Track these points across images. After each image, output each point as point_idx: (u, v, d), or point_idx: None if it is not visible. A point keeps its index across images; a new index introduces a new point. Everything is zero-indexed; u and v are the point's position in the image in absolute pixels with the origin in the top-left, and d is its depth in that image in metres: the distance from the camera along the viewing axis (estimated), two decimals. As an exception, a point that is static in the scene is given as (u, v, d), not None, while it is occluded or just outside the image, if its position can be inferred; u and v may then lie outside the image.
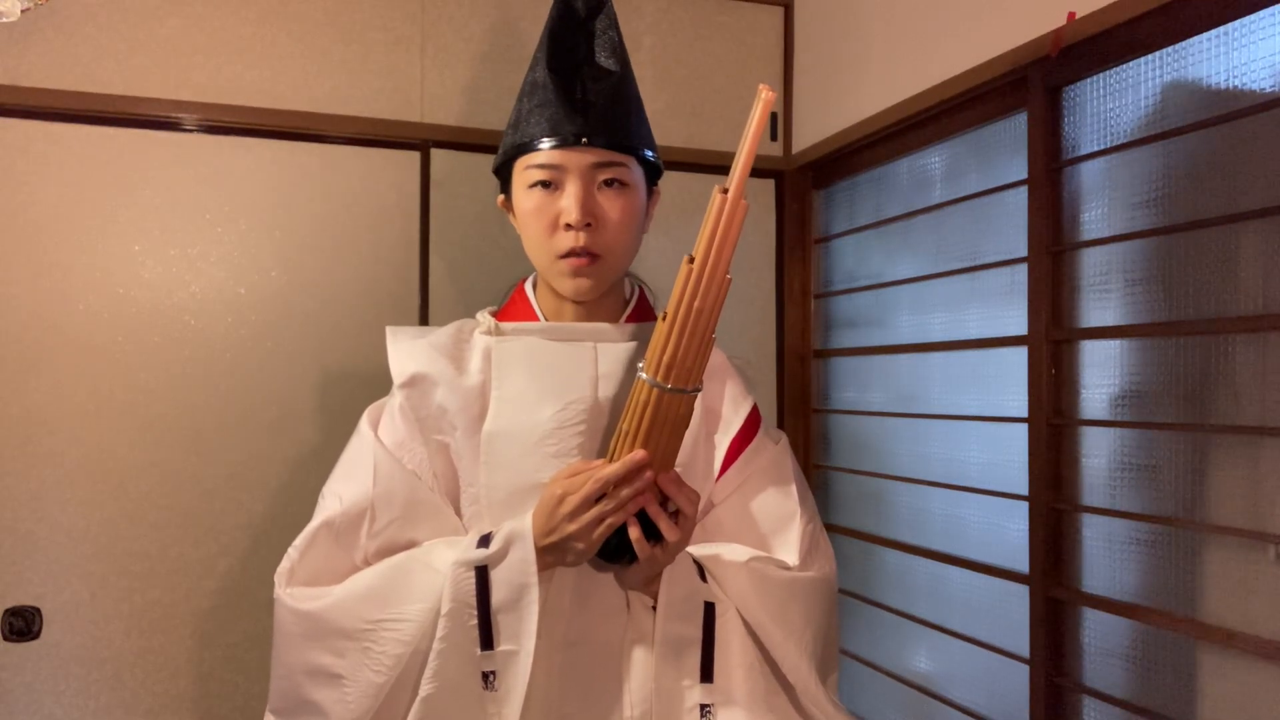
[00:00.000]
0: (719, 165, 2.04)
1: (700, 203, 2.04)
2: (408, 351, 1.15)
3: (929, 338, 1.78)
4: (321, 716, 1.04)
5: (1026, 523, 1.50)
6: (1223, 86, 1.24)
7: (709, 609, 1.07)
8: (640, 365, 1.00)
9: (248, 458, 1.72)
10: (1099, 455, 1.41)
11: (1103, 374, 1.41)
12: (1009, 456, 1.56)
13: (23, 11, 1.57)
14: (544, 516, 1.01)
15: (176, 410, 1.69)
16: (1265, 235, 1.18)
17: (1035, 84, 1.46)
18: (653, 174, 1.20)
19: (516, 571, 1.01)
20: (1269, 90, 1.18)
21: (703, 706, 1.05)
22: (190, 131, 1.71)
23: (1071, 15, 1.36)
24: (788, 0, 2.09)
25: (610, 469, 0.98)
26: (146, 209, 1.68)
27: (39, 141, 1.62)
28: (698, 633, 1.06)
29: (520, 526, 1.02)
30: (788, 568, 1.13)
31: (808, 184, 2.11)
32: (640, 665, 1.07)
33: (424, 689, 1.00)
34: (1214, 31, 1.24)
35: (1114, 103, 1.39)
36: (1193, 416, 1.27)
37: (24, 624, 1.60)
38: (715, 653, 1.07)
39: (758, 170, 2.09)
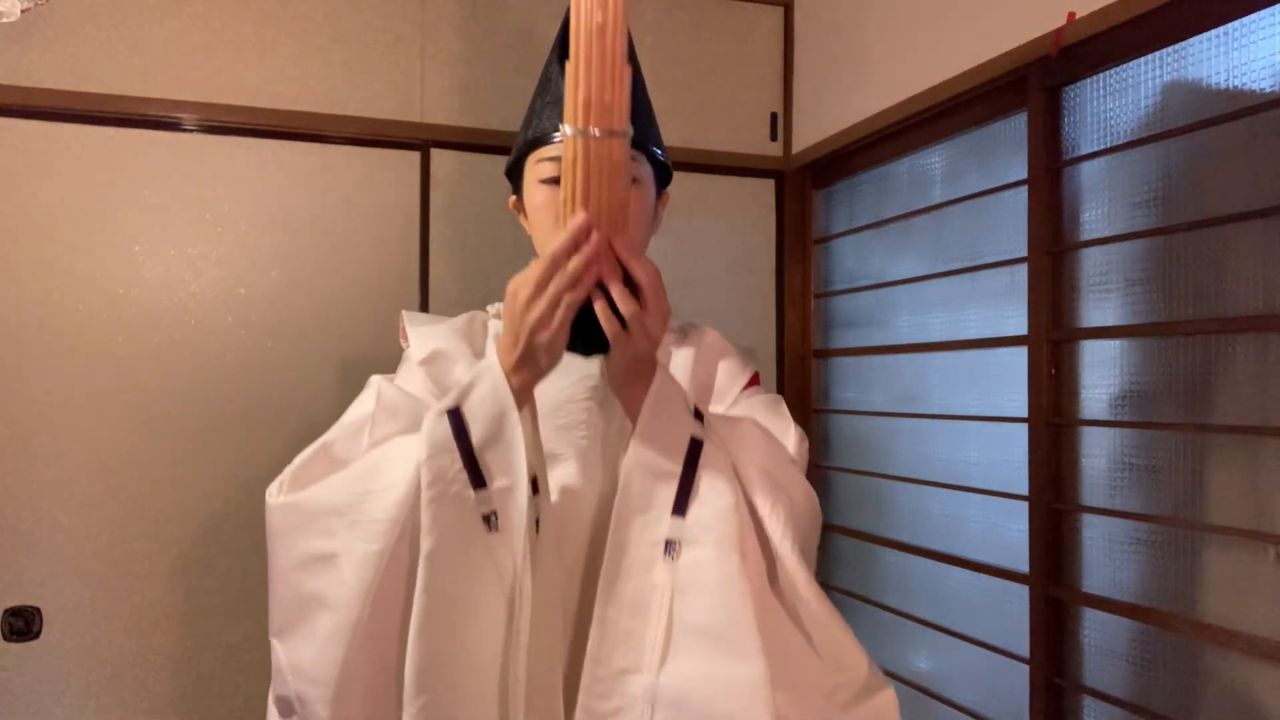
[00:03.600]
0: (719, 165, 2.04)
1: (701, 203, 2.05)
2: (428, 333, 1.16)
3: (929, 338, 1.78)
4: (322, 606, 0.98)
5: (1026, 523, 1.49)
6: (1223, 86, 1.24)
7: (695, 445, 0.99)
8: (560, 126, 0.93)
9: (248, 457, 1.72)
10: (1099, 455, 1.41)
11: (1103, 374, 1.41)
12: (1009, 456, 1.55)
13: (23, 11, 1.57)
14: (507, 326, 0.95)
15: (177, 410, 1.69)
16: (1265, 235, 1.18)
17: (1035, 84, 1.46)
18: (662, 176, 1.21)
19: (490, 401, 0.95)
20: (1269, 90, 1.18)
21: (667, 543, 0.97)
22: (190, 131, 1.71)
23: (1071, 15, 1.36)
24: (788, 0, 2.09)
25: (556, 244, 0.91)
26: (146, 209, 1.68)
27: (39, 141, 1.62)
28: (677, 467, 0.99)
29: (485, 361, 0.98)
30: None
31: (808, 184, 2.11)
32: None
33: (425, 545, 0.93)
34: (1214, 31, 1.24)
35: (1114, 103, 1.39)
36: (1193, 416, 1.27)
37: (24, 624, 1.60)
38: (694, 488, 0.98)
39: (758, 170, 2.09)
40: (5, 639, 1.59)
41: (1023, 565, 1.51)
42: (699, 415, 1.02)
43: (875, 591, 1.92)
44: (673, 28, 2.02)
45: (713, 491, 0.98)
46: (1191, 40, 1.27)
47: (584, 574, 1.06)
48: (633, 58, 1.17)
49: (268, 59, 1.74)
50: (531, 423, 0.98)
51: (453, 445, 0.94)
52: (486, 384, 0.96)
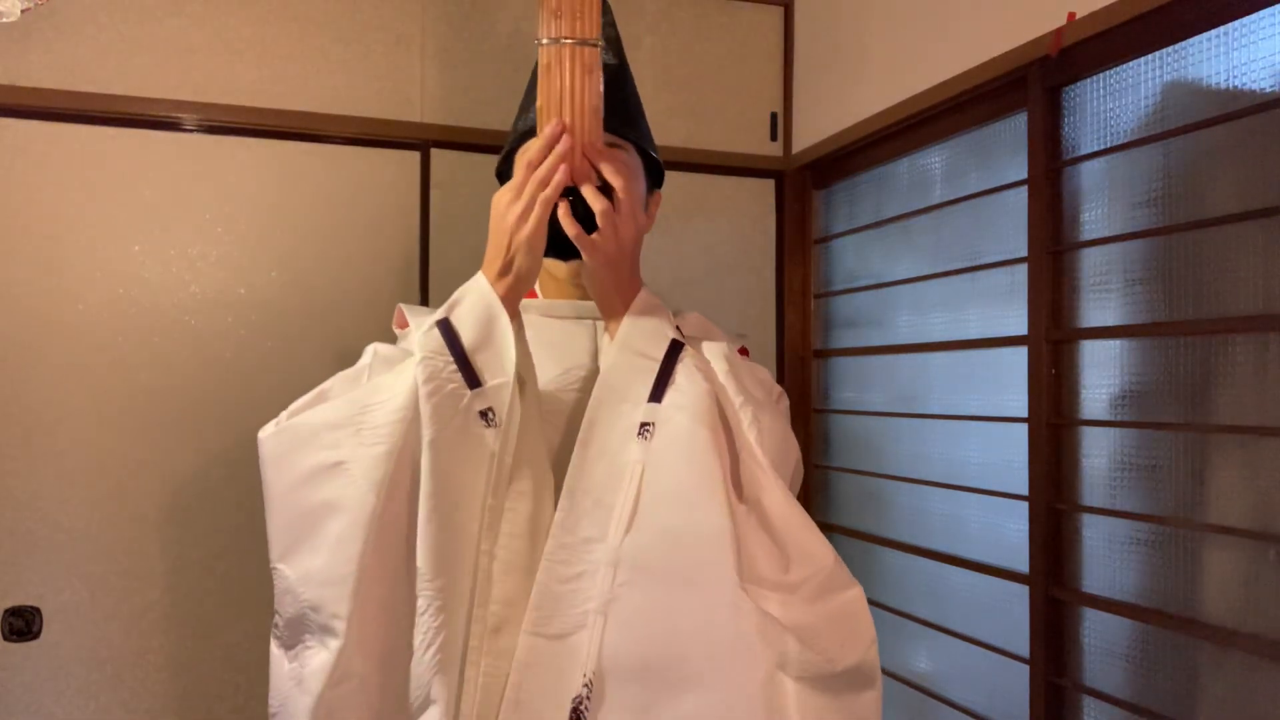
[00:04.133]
0: (719, 165, 2.04)
1: (701, 203, 2.05)
2: (429, 323, 1.18)
3: (929, 338, 1.78)
4: (332, 511, 0.98)
5: (1026, 523, 1.49)
6: (1223, 86, 1.24)
7: (675, 345, 1.04)
8: (535, 41, 1.00)
9: (248, 457, 1.71)
10: (1099, 455, 1.41)
11: (1103, 374, 1.41)
12: (1009, 456, 1.55)
13: (23, 11, 1.56)
14: (491, 234, 1.03)
15: (176, 410, 1.69)
16: (1265, 235, 1.18)
17: (1035, 84, 1.46)
18: (654, 174, 1.21)
19: (478, 307, 1.01)
20: (1269, 90, 1.18)
21: (642, 425, 1.00)
22: (190, 131, 1.71)
23: (1071, 15, 1.36)
24: (788, 0, 2.09)
25: (532, 150, 0.99)
26: (146, 209, 1.68)
27: (39, 141, 1.62)
28: (655, 362, 1.03)
29: (470, 281, 1.04)
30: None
31: (808, 184, 2.11)
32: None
33: (425, 435, 0.96)
34: (1214, 31, 1.24)
35: (1114, 103, 1.39)
36: (1193, 416, 1.27)
37: (24, 624, 1.60)
38: (671, 378, 1.02)
39: (758, 170, 2.09)
40: (5, 639, 1.59)
41: (1023, 565, 1.51)
42: (680, 333, 1.07)
43: (875, 591, 1.92)
44: (672, 28, 2.02)
45: (689, 381, 1.02)
46: (1191, 40, 1.26)
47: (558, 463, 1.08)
48: (623, 54, 1.18)
49: (268, 59, 1.74)
50: (519, 333, 1.03)
51: (445, 350, 0.99)
52: (474, 293, 1.02)
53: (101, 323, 1.65)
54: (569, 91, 0.98)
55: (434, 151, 1.85)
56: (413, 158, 1.84)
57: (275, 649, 1.06)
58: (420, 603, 0.95)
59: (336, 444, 0.99)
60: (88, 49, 1.64)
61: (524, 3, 1.90)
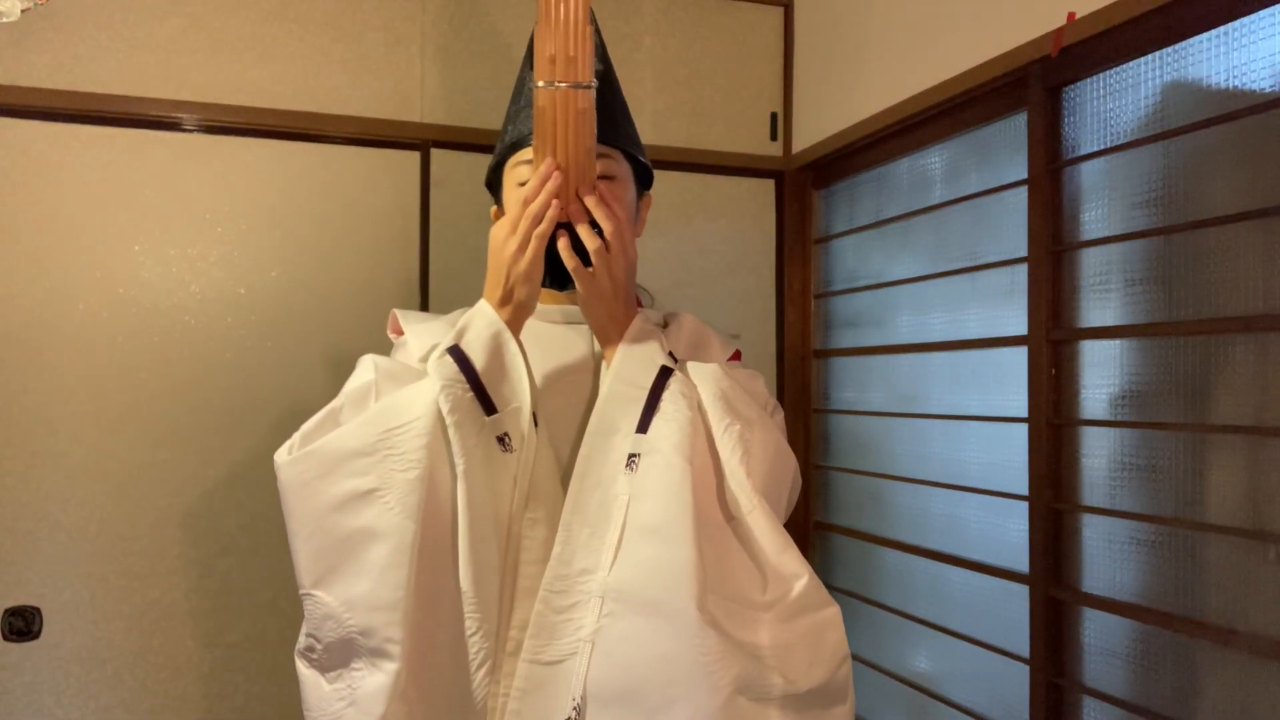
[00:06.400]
0: (719, 165, 2.04)
1: (700, 203, 2.05)
2: (425, 330, 1.20)
3: (929, 338, 1.78)
4: (371, 538, 1.00)
5: (1026, 523, 1.50)
6: (1223, 86, 1.24)
7: (664, 372, 1.08)
8: (528, 81, 1.05)
9: (248, 458, 1.72)
10: (1099, 455, 1.41)
11: (1103, 374, 1.41)
12: (1009, 456, 1.55)
13: (23, 11, 1.57)
14: (491, 267, 1.08)
15: (176, 410, 1.69)
16: (1265, 235, 1.18)
17: (1035, 84, 1.46)
18: (642, 178, 1.21)
19: (486, 334, 1.06)
20: (1269, 90, 1.18)
21: (630, 456, 1.04)
22: (190, 131, 1.71)
23: (1071, 15, 1.36)
24: (788, 0, 2.09)
25: (528, 188, 1.05)
26: (146, 209, 1.68)
27: (39, 141, 1.62)
28: (644, 392, 1.07)
29: (474, 308, 1.09)
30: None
31: (808, 184, 2.11)
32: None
33: (459, 465, 1.02)
34: (1214, 31, 1.24)
35: (1114, 103, 1.39)
36: (1193, 416, 1.27)
37: (24, 624, 1.60)
38: (658, 407, 1.06)
39: (758, 170, 2.09)
40: (5, 639, 1.59)
41: (1023, 565, 1.51)
42: (672, 358, 1.11)
43: (875, 591, 1.92)
44: (672, 28, 2.02)
45: (674, 408, 1.06)
46: (1191, 40, 1.27)
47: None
48: (608, 60, 1.19)
49: (268, 59, 1.74)
50: (524, 358, 1.07)
51: (461, 377, 1.03)
52: (480, 320, 1.07)
53: (102, 323, 1.65)
54: (563, 133, 1.04)
55: (434, 151, 1.85)
56: (413, 158, 1.84)
57: (306, 669, 1.07)
58: (469, 624, 1.00)
59: (364, 471, 1.02)
60: (88, 49, 1.64)
61: (524, 3, 1.90)
